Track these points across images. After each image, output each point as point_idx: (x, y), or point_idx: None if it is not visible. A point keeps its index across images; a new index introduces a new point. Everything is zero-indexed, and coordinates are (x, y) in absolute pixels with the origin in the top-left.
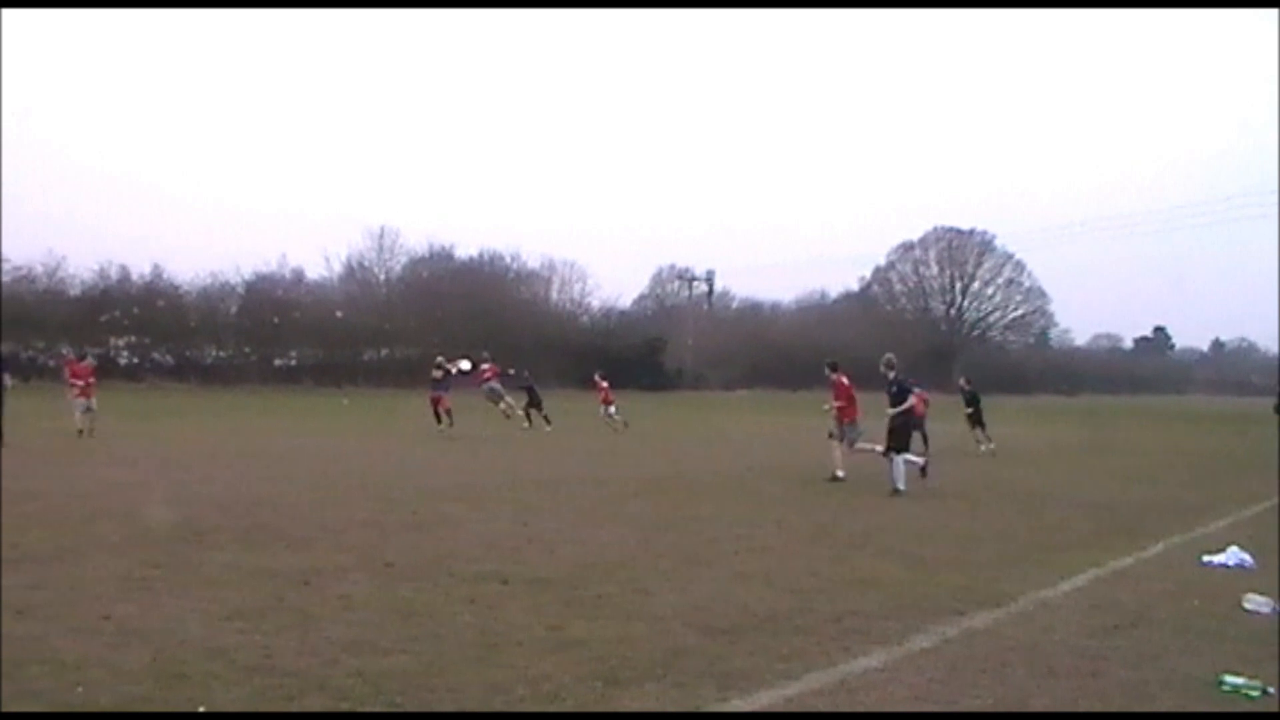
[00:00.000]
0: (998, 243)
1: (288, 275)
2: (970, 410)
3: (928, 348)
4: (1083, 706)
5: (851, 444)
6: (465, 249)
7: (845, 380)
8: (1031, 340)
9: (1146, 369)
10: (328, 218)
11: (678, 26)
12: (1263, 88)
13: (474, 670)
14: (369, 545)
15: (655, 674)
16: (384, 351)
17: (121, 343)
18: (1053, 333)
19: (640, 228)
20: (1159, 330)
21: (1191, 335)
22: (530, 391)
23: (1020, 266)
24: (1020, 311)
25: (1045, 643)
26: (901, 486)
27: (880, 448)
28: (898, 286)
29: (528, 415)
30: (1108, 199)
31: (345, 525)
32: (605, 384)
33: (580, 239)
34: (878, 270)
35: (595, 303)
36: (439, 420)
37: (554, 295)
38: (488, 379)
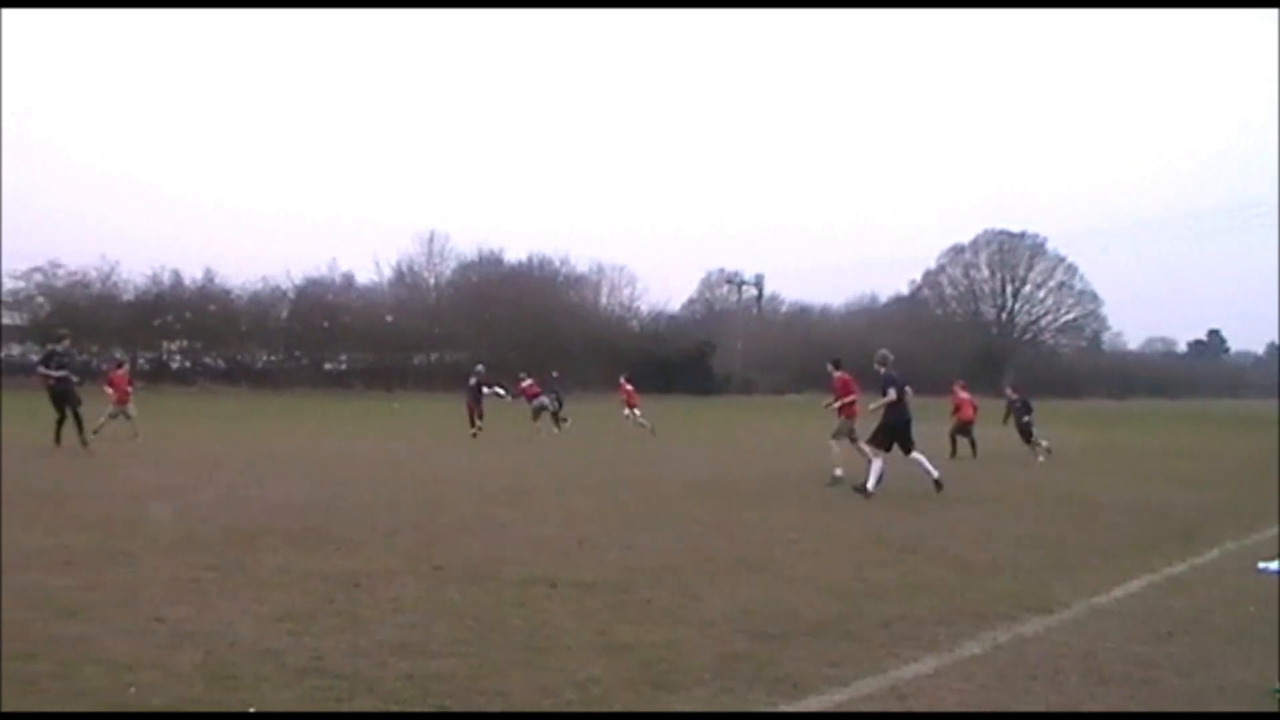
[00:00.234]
0: (1049, 245)
1: (338, 280)
2: (1024, 422)
3: (978, 352)
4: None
5: (853, 441)
6: (514, 253)
7: (848, 378)
8: (1083, 344)
9: (1200, 373)
10: (378, 223)
11: (728, 27)
12: None
13: (522, 673)
14: (418, 548)
15: (704, 679)
16: (434, 355)
17: (174, 347)
18: (1105, 336)
19: (689, 231)
20: (1213, 333)
21: (1246, 338)
22: (555, 397)
23: (1072, 269)
24: (1072, 315)
25: (1098, 650)
26: (870, 487)
27: (868, 447)
28: (948, 290)
29: (556, 423)
30: (1161, 200)
31: (395, 528)
32: (630, 387)
33: (629, 243)
34: (928, 273)
35: (644, 307)
36: (471, 424)
37: (603, 299)
38: (535, 394)
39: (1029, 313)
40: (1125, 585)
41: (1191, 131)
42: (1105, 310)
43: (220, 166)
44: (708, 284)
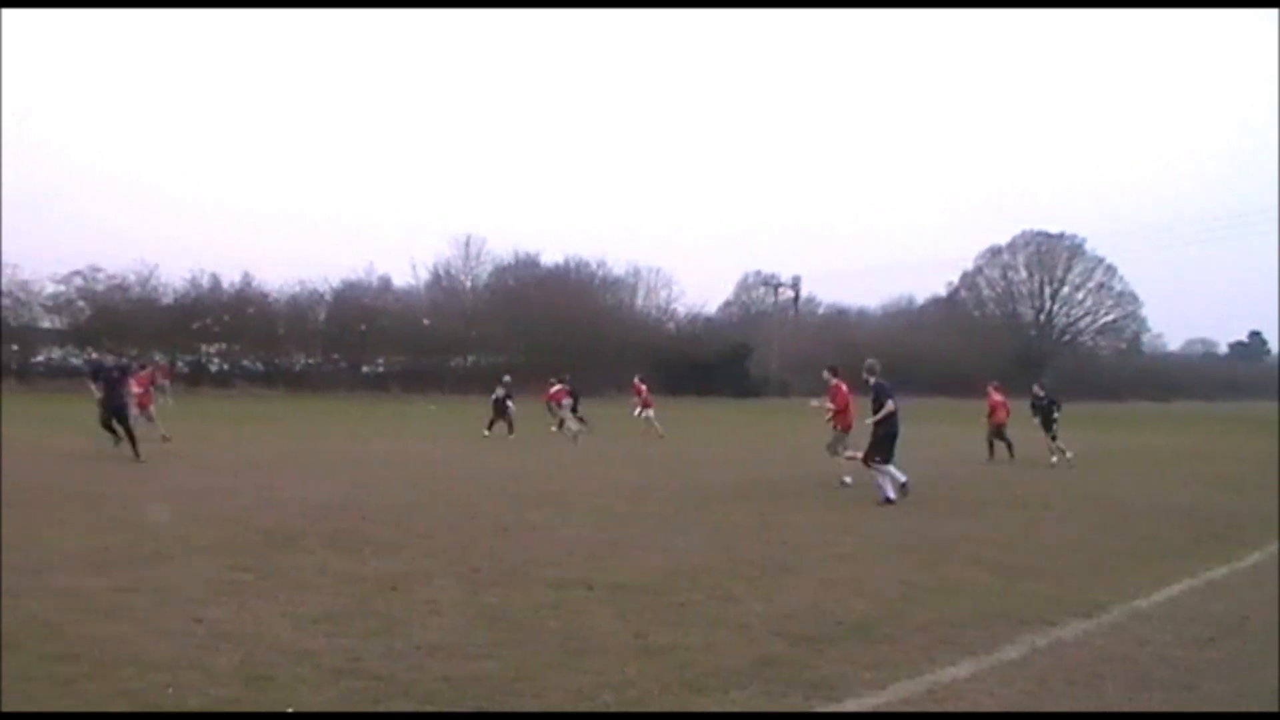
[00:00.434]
0: (1088, 246)
1: (375, 283)
2: (1051, 418)
3: (1016, 354)
4: None
5: (838, 450)
6: (551, 256)
7: (844, 387)
8: (1123, 346)
9: (1242, 375)
10: (414, 226)
11: (765, 27)
12: None
13: (559, 676)
14: (455, 551)
15: (741, 682)
16: (470, 359)
17: (212, 350)
18: (1145, 338)
19: (726, 233)
20: (1255, 335)
21: None
22: (571, 398)
23: (1111, 270)
24: (1111, 317)
25: (1138, 654)
26: (892, 495)
27: (859, 454)
28: (986, 292)
29: (577, 422)
30: (1201, 198)
31: (432, 531)
32: (644, 388)
33: (666, 245)
34: (965, 275)
35: (681, 309)
36: (489, 427)
37: (639, 302)
38: (561, 399)
39: (1068, 314)
40: (1165, 589)
41: (1233, 129)
42: (1145, 311)
43: (258, 172)
44: (744, 286)
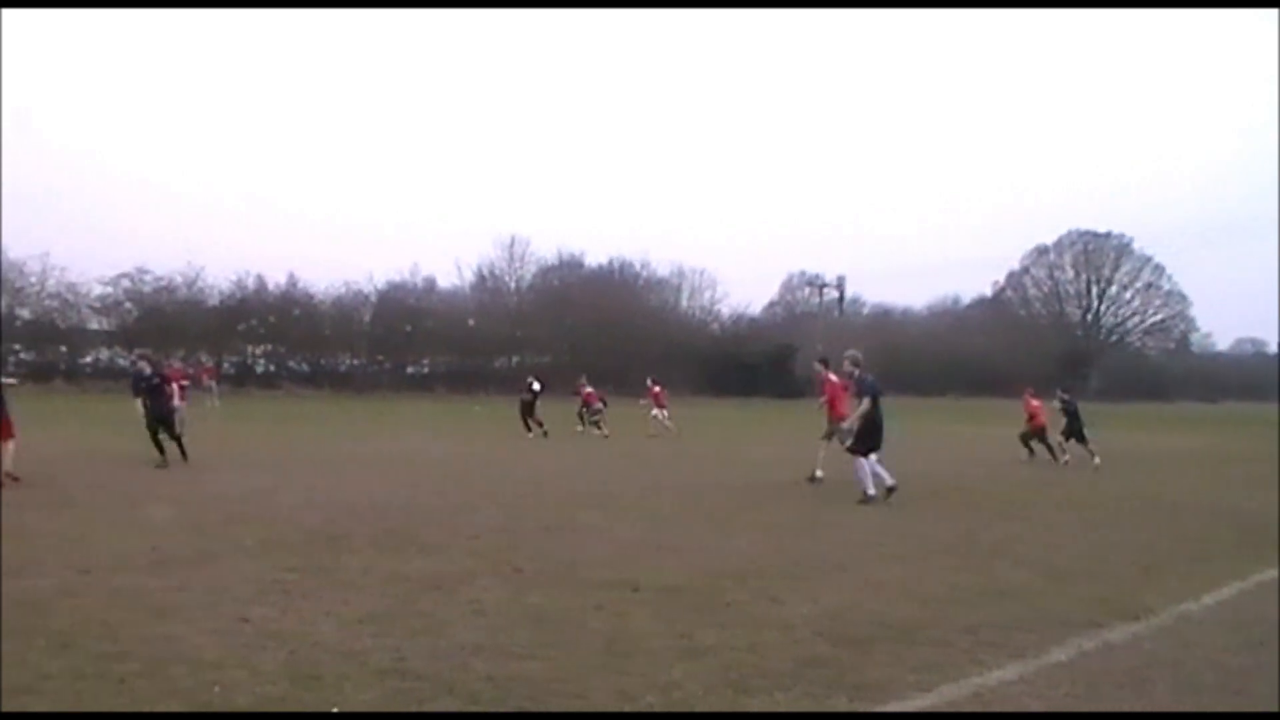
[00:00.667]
0: (1135, 245)
1: (420, 284)
2: (1067, 422)
3: (1063, 354)
4: None
5: (842, 441)
6: (595, 257)
7: (835, 378)
8: (1171, 346)
9: None
10: (459, 227)
11: (808, 27)
12: None
13: (603, 677)
14: (500, 551)
15: (786, 683)
16: (515, 359)
17: (258, 351)
18: (1194, 338)
19: (770, 234)
20: None
21: None
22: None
23: (1159, 270)
24: (1159, 316)
25: (1187, 658)
26: (871, 492)
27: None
28: (1032, 291)
29: (580, 420)
30: (1249, 196)
31: (476, 531)
32: (658, 389)
33: (710, 246)
34: (1012, 275)
35: (725, 310)
36: (528, 429)
37: (684, 302)
38: (592, 399)
39: (1115, 314)
40: (1216, 592)
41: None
42: (1194, 311)
43: (303, 175)
44: (789, 286)
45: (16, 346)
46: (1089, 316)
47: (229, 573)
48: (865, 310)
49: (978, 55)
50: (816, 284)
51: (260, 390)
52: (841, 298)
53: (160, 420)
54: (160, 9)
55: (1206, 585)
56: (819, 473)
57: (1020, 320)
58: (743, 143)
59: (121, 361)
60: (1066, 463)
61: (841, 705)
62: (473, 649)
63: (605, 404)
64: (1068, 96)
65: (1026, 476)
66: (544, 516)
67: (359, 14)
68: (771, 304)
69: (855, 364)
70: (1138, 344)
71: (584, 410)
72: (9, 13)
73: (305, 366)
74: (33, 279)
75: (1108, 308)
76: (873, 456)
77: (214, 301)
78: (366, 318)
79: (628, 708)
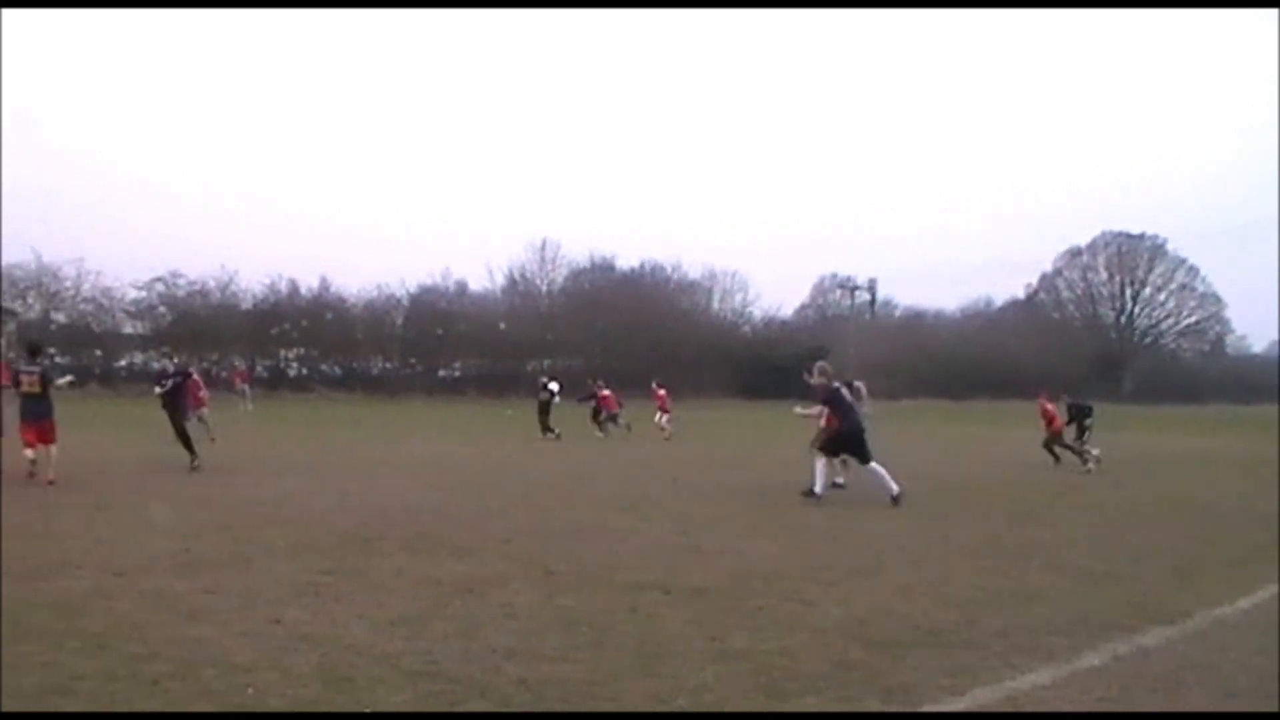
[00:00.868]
0: (1169, 247)
1: (451, 288)
2: (1079, 424)
3: (1096, 356)
4: None
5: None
6: (626, 260)
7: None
8: (1206, 348)
9: None
10: (490, 231)
11: (837, 27)
12: None
13: (635, 680)
14: (531, 554)
15: (817, 687)
16: (546, 362)
17: (291, 354)
18: (1228, 340)
19: (802, 236)
20: None
21: None
22: (595, 400)
23: (1194, 271)
24: (1194, 318)
25: (1222, 662)
26: (818, 490)
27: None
28: (1065, 293)
29: (599, 426)
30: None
31: (508, 534)
32: (663, 392)
33: (741, 249)
34: (1045, 277)
35: (756, 313)
36: (547, 431)
37: (715, 305)
38: (611, 404)
39: (1149, 316)
40: (1251, 595)
41: None
42: (1228, 313)
43: (335, 179)
44: (820, 289)
45: (52, 350)
46: (1123, 318)
47: (261, 575)
48: (897, 313)
49: (1009, 55)
50: (848, 286)
51: (292, 394)
52: (873, 300)
53: (177, 419)
54: (198, 9)
55: (1241, 589)
56: (839, 480)
57: (1053, 322)
58: (774, 144)
59: (156, 365)
60: (1088, 471)
61: (873, 708)
62: (505, 652)
63: (621, 406)
64: (1100, 98)
65: (1056, 479)
66: (574, 519)
67: (392, 16)
68: (803, 307)
69: (824, 374)
70: (1172, 346)
71: (602, 415)
72: (44, 20)
73: (337, 370)
74: (68, 283)
75: (1141, 310)
76: (823, 460)
77: (247, 305)
78: (398, 321)
79: (660, 710)
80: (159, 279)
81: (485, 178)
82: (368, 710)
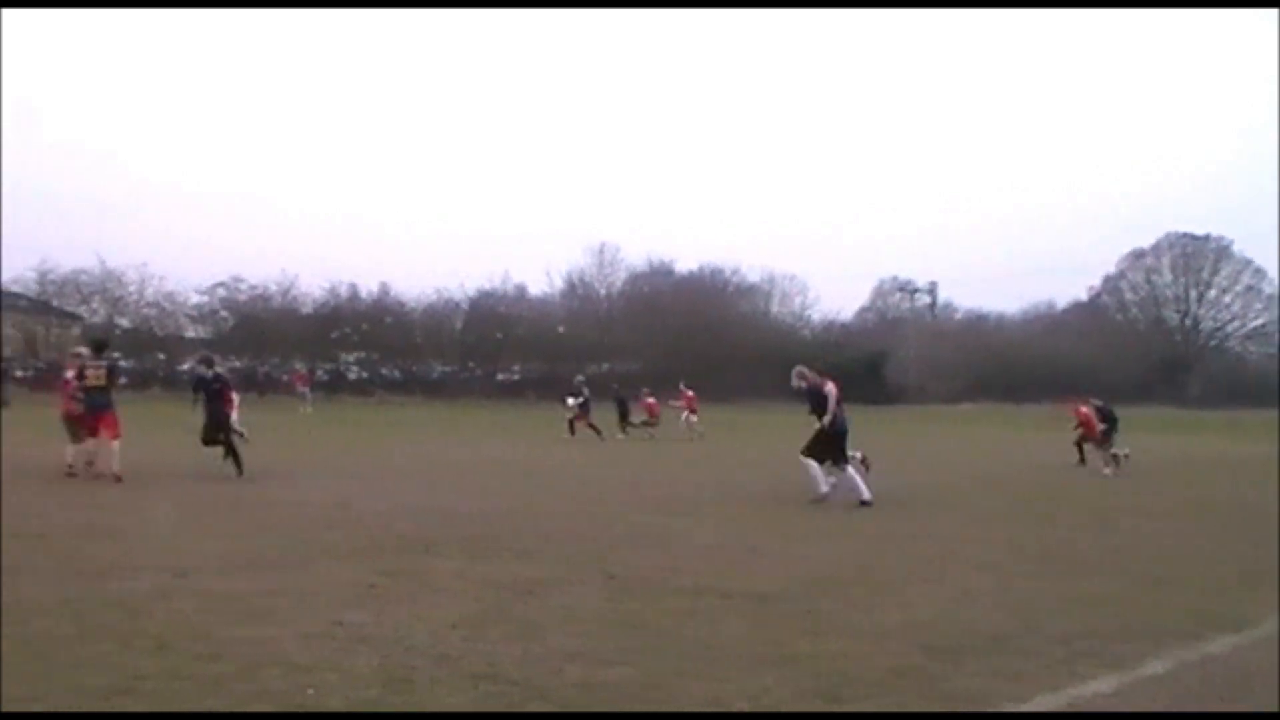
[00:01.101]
0: (1235, 248)
1: (510, 291)
2: (1105, 428)
3: (1161, 359)
4: None
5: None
6: (685, 263)
7: (830, 387)
8: (1273, 350)
9: None
10: (549, 234)
11: (892, 28)
12: None
13: (694, 683)
14: (591, 557)
15: (877, 692)
16: (605, 366)
17: (351, 358)
18: None
19: (861, 238)
20: None
21: None
22: (620, 404)
23: (1260, 273)
24: (1261, 320)
25: None
26: (824, 490)
27: (859, 452)
28: (1129, 296)
29: (622, 428)
30: None
31: (568, 537)
32: (690, 393)
33: (800, 251)
34: (1108, 279)
35: (816, 316)
36: (571, 431)
37: (774, 309)
38: (656, 410)
39: (1214, 318)
40: None
41: None
42: None
43: (395, 184)
44: (880, 292)
45: (116, 354)
46: (1187, 321)
47: (322, 577)
48: (958, 315)
49: (1073, 56)
50: (908, 289)
51: (353, 397)
52: (934, 303)
53: (218, 424)
54: (263, 8)
55: None
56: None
57: (1117, 325)
58: (834, 146)
59: (218, 369)
60: (1112, 472)
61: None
62: (565, 655)
63: (655, 417)
64: (1167, 97)
65: (1120, 484)
66: (634, 522)
67: (455, 20)
68: (863, 310)
69: (802, 377)
70: (1238, 349)
71: (647, 419)
72: (120, 44)
73: (397, 373)
74: (132, 288)
75: (1207, 312)
76: (816, 464)
77: (308, 309)
78: (458, 325)
79: (716, 710)
80: (221, 284)
81: (544, 182)
82: (428, 712)
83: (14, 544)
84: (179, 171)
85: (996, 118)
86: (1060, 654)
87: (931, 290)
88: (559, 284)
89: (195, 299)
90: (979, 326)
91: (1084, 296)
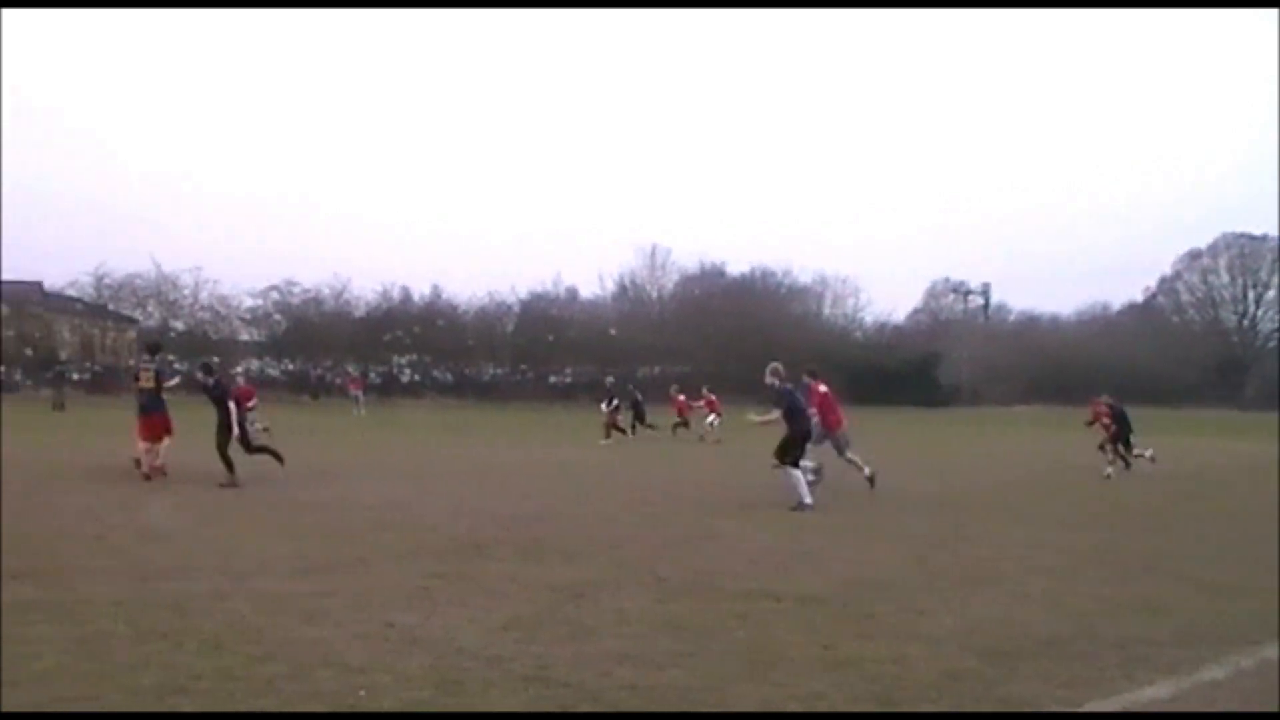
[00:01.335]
0: None
1: (562, 294)
2: (1115, 429)
3: (1218, 361)
4: None
5: (840, 452)
6: (737, 265)
7: (823, 388)
8: None
9: None
10: (600, 237)
11: (945, 28)
12: None
13: (745, 686)
14: (642, 560)
15: (930, 696)
16: (657, 368)
17: (403, 361)
18: None
19: (913, 240)
20: None
21: None
22: (636, 406)
23: None
24: None
25: None
26: (808, 500)
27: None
28: (1185, 297)
29: (633, 428)
30: None
31: (619, 540)
32: (712, 397)
33: (852, 253)
34: (1163, 280)
35: (868, 318)
36: (607, 435)
37: (826, 310)
38: (685, 410)
39: (1273, 319)
40: None
41: None
42: None
43: (447, 188)
44: (933, 293)
45: (171, 357)
46: (1245, 322)
47: (374, 578)
48: (1011, 317)
49: (1128, 57)
50: (961, 291)
51: (405, 399)
52: (987, 304)
53: (223, 429)
54: (321, 8)
55: None
56: (866, 470)
57: (1173, 327)
58: (887, 147)
59: (272, 371)
60: (1108, 476)
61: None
62: (616, 657)
63: (684, 416)
64: (1225, 96)
65: (1177, 488)
66: (683, 525)
67: (507, 22)
68: (915, 311)
69: (775, 375)
70: None
71: (679, 419)
72: (177, 46)
73: (449, 376)
74: (186, 292)
75: (1265, 312)
76: (795, 471)
77: (360, 313)
78: (509, 328)
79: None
80: (274, 287)
81: (596, 185)
82: (479, 712)
83: (72, 545)
84: (233, 177)
85: (1052, 119)
86: (1115, 659)
87: (985, 292)
88: (610, 286)
89: (249, 302)
90: (1033, 328)
91: (1139, 298)
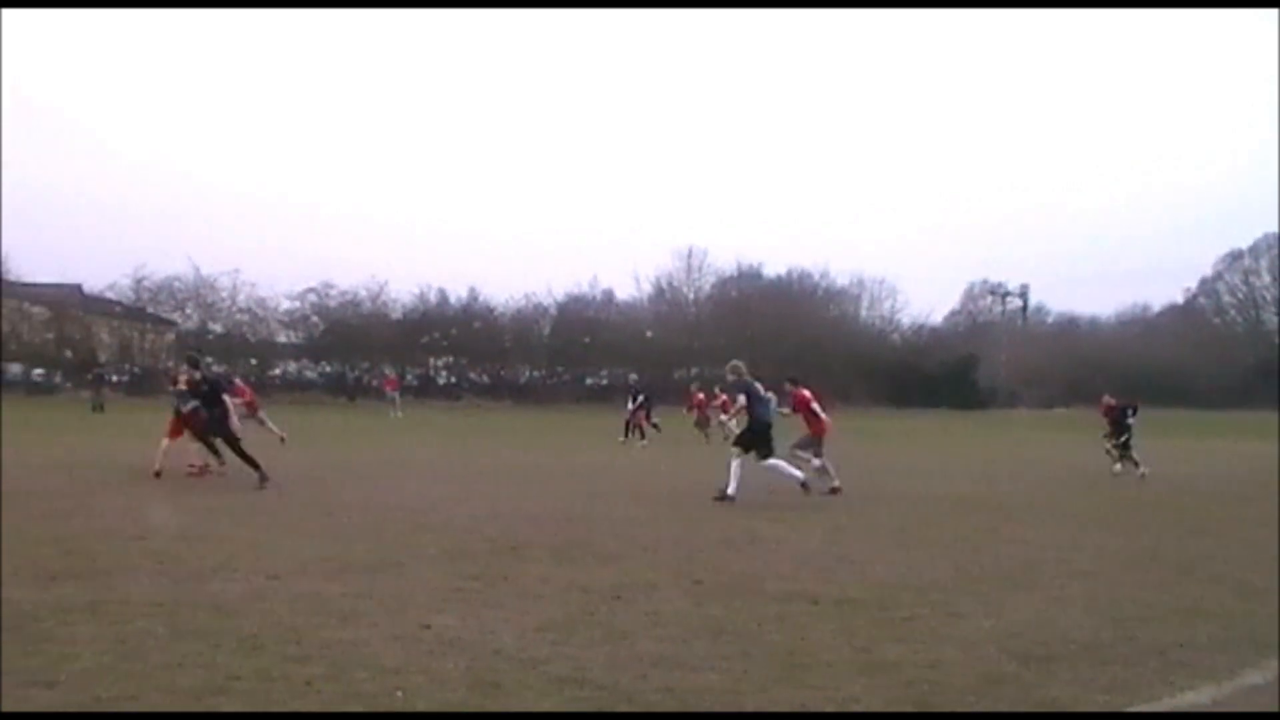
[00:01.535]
0: None
1: (598, 296)
2: (1122, 429)
3: (1259, 362)
4: None
5: (803, 450)
6: (773, 267)
7: (805, 393)
8: None
9: None
10: (637, 239)
11: (985, 26)
12: None
13: (782, 690)
14: (678, 562)
15: (968, 700)
16: (694, 370)
17: (440, 363)
18: None
19: (951, 241)
20: None
21: None
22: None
23: None
24: None
25: None
26: (731, 491)
27: (818, 461)
28: (1226, 298)
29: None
30: None
31: (655, 542)
32: (725, 397)
33: (890, 255)
34: (1204, 281)
35: (905, 320)
36: (626, 434)
37: (863, 312)
38: (704, 407)
39: None
40: None
41: None
42: None
43: (484, 191)
44: (970, 295)
45: (210, 359)
46: None
47: (411, 580)
48: (1050, 319)
49: (1164, 57)
50: (999, 292)
51: (442, 401)
52: (1025, 306)
53: (218, 426)
54: (359, 7)
55: None
56: (835, 482)
57: (1214, 328)
58: (923, 148)
59: (309, 374)
60: (1115, 473)
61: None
62: (652, 659)
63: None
64: (1262, 97)
65: (1217, 490)
66: (720, 527)
67: (553, 22)
68: (953, 313)
69: (735, 372)
70: None
71: (697, 418)
72: (213, 51)
73: (486, 378)
74: (224, 294)
75: None
76: (738, 460)
77: (397, 315)
78: (546, 330)
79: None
80: (311, 289)
81: (632, 187)
82: (515, 712)
83: (112, 546)
84: (271, 181)
85: (1092, 118)
86: (1156, 664)
87: (1023, 293)
88: (647, 288)
89: (286, 305)
90: (1071, 330)
91: (1180, 299)
